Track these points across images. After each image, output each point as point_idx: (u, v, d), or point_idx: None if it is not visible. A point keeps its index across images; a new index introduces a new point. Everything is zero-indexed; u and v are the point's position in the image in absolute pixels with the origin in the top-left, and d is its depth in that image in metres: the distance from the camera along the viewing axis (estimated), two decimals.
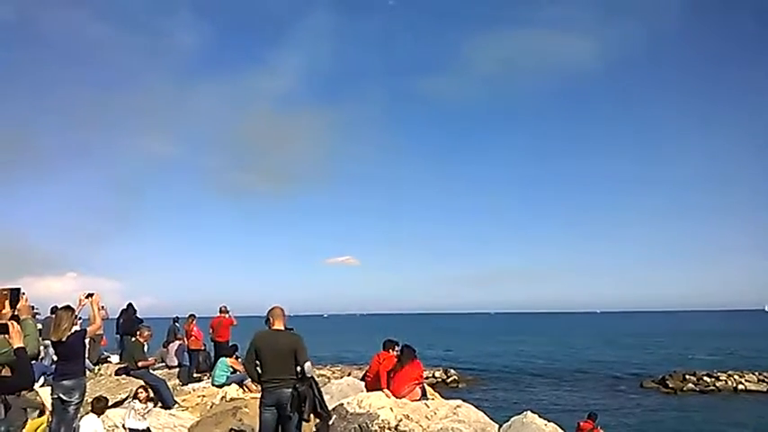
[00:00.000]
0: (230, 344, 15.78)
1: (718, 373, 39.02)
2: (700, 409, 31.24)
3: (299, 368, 6.82)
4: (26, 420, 9.28)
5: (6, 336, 4.07)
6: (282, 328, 7.16)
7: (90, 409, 8.76)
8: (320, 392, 7.09)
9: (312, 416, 7.06)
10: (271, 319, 7.19)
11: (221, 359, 13.77)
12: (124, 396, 11.55)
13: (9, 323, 4.11)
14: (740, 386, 37.15)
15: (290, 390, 6.76)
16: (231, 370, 13.33)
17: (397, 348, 10.35)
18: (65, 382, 7.81)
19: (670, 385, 38.25)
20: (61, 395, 7.80)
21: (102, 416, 8.83)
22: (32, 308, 18.38)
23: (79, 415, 8.34)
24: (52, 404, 8.11)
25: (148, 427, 9.44)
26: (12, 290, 5.29)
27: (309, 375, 6.83)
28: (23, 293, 5.44)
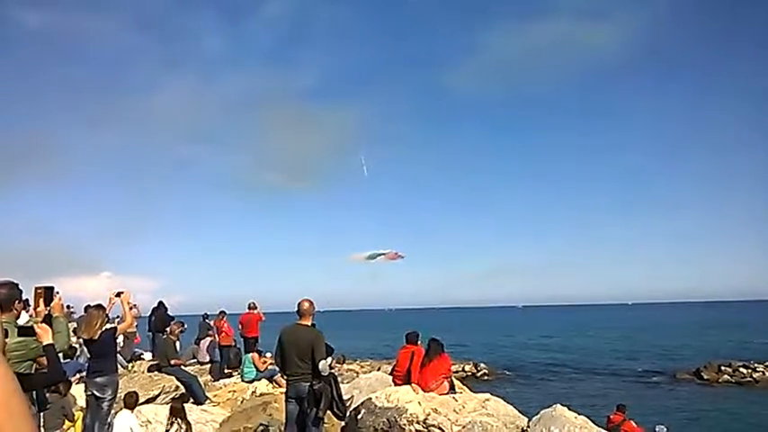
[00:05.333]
0: (255, 339, 16.02)
1: (755, 365, 38.10)
2: (736, 402, 30.60)
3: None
4: (62, 422, 9.52)
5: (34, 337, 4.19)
6: (308, 323, 7.30)
7: (123, 404, 8.93)
8: (339, 391, 7.19)
9: (329, 413, 7.21)
10: (298, 314, 7.36)
11: (246, 355, 13.93)
12: (156, 392, 11.74)
13: (34, 325, 4.25)
14: None
15: (308, 384, 6.91)
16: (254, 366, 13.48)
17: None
18: (98, 379, 7.98)
19: (705, 377, 37.48)
20: (94, 392, 7.98)
21: (134, 411, 8.97)
22: (68, 307, 18.81)
23: (113, 411, 8.52)
24: (86, 401, 8.30)
25: None
26: (46, 288, 5.45)
27: (325, 374, 6.93)
28: (57, 292, 5.58)
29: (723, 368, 38.17)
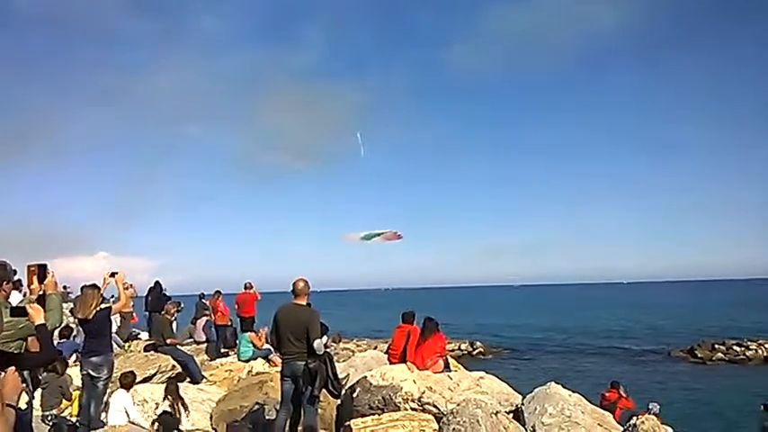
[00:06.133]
0: (252, 318, 16.05)
1: (748, 342, 38.48)
2: (729, 379, 30.92)
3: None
4: (60, 400, 9.56)
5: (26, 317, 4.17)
6: (304, 303, 7.29)
7: (119, 384, 8.96)
8: (334, 370, 7.21)
9: (324, 392, 7.24)
10: (293, 294, 7.35)
11: (243, 335, 13.99)
12: (153, 372, 11.77)
13: (26, 306, 4.22)
14: None
15: (304, 363, 6.92)
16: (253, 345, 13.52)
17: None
18: (93, 358, 7.99)
19: (699, 355, 37.84)
20: (90, 371, 8.00)
21: (131, 390, 8.99)
22: (64, 287, 18.70)
23: (108, 390, 8.55)
24: (82, 380, 8.31)
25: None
26: (39, 265, 5.41)
27: (320, 353, 6.93)
28: (50, 270, 5.55)
29: (717, 346, 38.54)
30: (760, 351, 37.06)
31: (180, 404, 8.85)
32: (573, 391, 8.74)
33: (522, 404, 8.54)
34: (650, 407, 13.03)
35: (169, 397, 8.84)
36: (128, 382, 8.97)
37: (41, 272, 5.37)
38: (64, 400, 9.72)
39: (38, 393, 8.58)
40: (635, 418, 7.95)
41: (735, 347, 37.94)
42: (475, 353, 41.61)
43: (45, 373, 9.19)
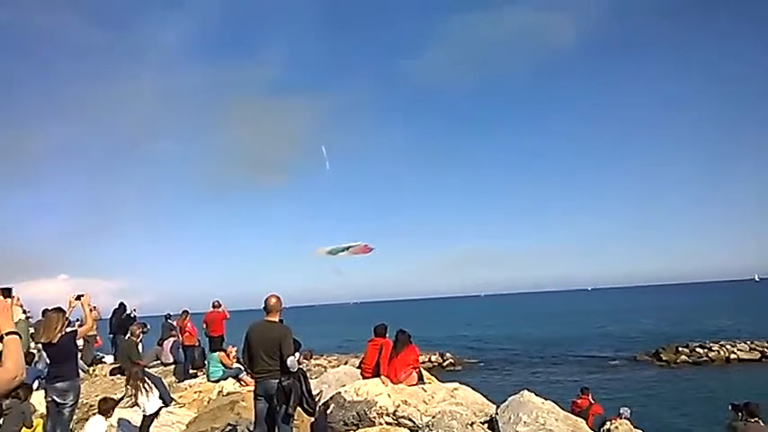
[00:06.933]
0: (221, 338, 15.81)
1: (711, 344, 39.43)
2: (693, 380, 31.62)
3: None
4: (20, 428, 9.21)
5: None
6: (276, 319, 7.20)
7: (97, 410, 8.69)
8: (308, 387, 7.11)
9: (299, 410, 7.14)
10: (265, 311, 7.24)
11: (212, 354, 13.75)
12: (120, 396, 11.49)
13: None
14: (732, 356, 37.58)
15: (277, 381, 6.82)
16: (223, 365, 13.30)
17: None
18: (58, 384, 7.70)
19: (663, 358, 38.63)
20: (55, 398, 7.70)
21: (111, 416, 8.70)
22: (25, 311, 18.22)
23: (85, 416, 8.29)
24: (47, 407, 8.02)
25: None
26: (3, 289, 5.26)
27: (293, 370, 6.84)
28: (14, 295, 5.39)
29: (681, 349, 39.40)
30: (722, 352, 38.00)
31: (143, 386, 8.66)
32: (545, 399, 8.78)
33: (497, 413, 8.54)
34: (621, 411, 13.20)
35: (131, 382, 8.64)
36: (107, 407, 8.63)
37: (6, 296, 5.22)
38: (24, 428, 9.37)
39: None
40: (608, 422, 8.04)
41: (698, 349, 38.83)
42: (446, 364, 41.65)
43: (7, 400, 8.86)
